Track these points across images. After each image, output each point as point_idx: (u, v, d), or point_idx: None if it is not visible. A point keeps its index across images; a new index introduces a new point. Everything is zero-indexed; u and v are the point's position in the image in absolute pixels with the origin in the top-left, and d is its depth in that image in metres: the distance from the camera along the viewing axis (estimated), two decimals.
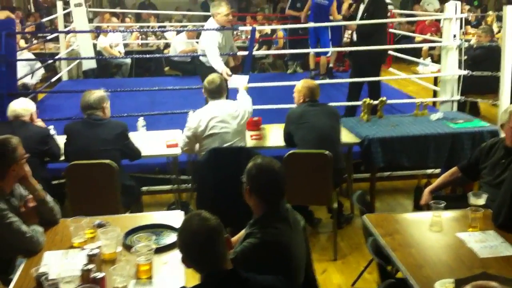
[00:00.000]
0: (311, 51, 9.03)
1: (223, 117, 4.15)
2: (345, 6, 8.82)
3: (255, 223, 2.54)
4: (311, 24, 8.80)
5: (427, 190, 3.71)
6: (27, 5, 18.01)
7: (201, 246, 2.09)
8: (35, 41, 10.17)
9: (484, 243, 2.77)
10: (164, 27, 11.85)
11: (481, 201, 3.12)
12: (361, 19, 6.41)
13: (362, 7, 6.44)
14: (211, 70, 5.39)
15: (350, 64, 7.51)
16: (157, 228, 2.95)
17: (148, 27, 11.92)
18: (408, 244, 2.80)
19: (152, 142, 4.55)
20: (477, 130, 4.81)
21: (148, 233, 2.87)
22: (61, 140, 4.39)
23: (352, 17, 6.63)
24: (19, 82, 6.32)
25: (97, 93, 4.12)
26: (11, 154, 2.81)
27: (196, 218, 2.15)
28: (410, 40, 11.19)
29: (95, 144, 3.91)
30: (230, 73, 5.53)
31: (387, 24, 6.13)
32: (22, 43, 9.86)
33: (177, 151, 4.49)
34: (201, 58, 6.03)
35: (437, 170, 5.35)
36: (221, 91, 4.29)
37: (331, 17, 8.67)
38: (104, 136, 3.96)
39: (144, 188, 5.00)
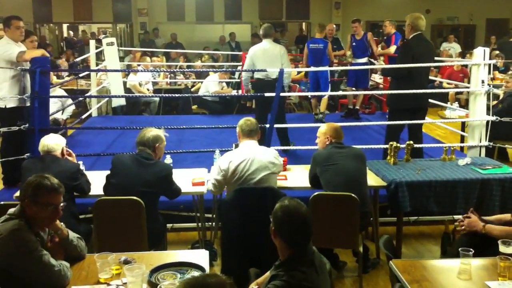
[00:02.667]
0: (337, 93, 9.12)
1: (254, 161, 4.04)
2: (374, 47, 9.01)
3: (281, 266, 2.53)
4: (343, 68, 8.93)
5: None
6: (60, 43, 18.63)
7: None
8: (67, 78, 10.44)
9: None
10: (194, 67, 12.08)
11: (511, 249, 3.05)
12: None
13: None
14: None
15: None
16: (182, 267, 2.95)
17: (176, 66, 12.17)
18: None
19: (178, 179, 4.58)
20: (507, 176, 4.73)
21: (173, 271, 2.87)
22: (90, 175, 4.47)
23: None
24: (50, 118, 6.46)
25: (153, 132, 4.15)
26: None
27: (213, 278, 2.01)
28: (435, 83, 11.20)
29: (137, 184, 3.90)
30: None
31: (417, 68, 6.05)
32: (54, 79, 10.13)
33: (203, 189, 4.51)
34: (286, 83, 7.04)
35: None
36: (257, 131, 4.29)
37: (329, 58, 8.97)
38: (148, 177, 3.95)
39: (169, 226, 5.01)
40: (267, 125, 6.28)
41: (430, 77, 11.40)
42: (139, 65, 10.95)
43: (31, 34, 6.66)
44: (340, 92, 9.84)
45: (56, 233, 2.97)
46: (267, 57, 6.94)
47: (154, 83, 10.95)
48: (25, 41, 6.55)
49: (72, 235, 3.05)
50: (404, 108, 6.06)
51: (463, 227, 3.66)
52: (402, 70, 5.97)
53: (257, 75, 7.09)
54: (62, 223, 3.02)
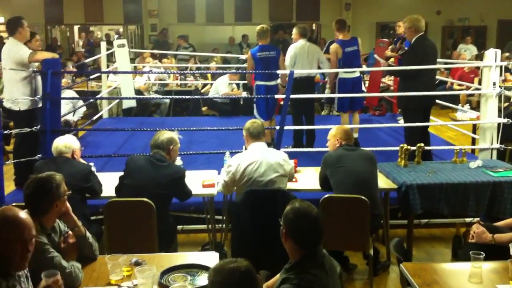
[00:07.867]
0: (347, 95, 8.98)
1: (262, 163, 4.05)
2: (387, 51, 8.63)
3: (292, 268, 2.53)
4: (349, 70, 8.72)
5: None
6: (71, 44, 18.74)
7: None
8: (78, 80, 10.50)
9: None
10: (207, 68, 12.05)
11: None
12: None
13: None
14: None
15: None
16: (193, 269, 2.96)
17: (186, 68, 12.18)
18: None
19: (189, 181, 4.59)
20: None
21: (184, 273, 2.88)
22: (101, 176, 4.48)
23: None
24: (62, 119, 6.49)
25: (167, 134, 4.18)
26: (56, 190, 2.89)
27: (230, 263, 2.15)
28: (446, 85, 11.14)
29: (150, 186, 3.92)
30: None
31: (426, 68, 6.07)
32: (65, 81, 10.19)
33: (213, 191, 4.52)
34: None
35: (476, 219, 5.23)
36: (264, 133, 4.31)
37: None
38: (161, 179, 3.96)
39: (179, 227, 5.03)
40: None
41: (442, 79, 11.43)
42: (143, 66, 10.99)
43: (35, 34, 6.74)
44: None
45: (73, 230, 3.00)
46: (309, 55, 7.10)
47: (164, 85, 10.98)
48: (31, 41, 6.59)
49: (88, 233, 3.08)
50: (415, 107, 6.14)
51: (473, 239, 3.63)
52: (411, 71, 6.05)
53: (298, 74, 6.90)
54: (79, 221, 3.05)
